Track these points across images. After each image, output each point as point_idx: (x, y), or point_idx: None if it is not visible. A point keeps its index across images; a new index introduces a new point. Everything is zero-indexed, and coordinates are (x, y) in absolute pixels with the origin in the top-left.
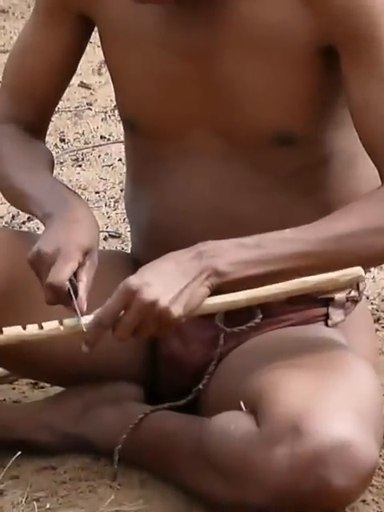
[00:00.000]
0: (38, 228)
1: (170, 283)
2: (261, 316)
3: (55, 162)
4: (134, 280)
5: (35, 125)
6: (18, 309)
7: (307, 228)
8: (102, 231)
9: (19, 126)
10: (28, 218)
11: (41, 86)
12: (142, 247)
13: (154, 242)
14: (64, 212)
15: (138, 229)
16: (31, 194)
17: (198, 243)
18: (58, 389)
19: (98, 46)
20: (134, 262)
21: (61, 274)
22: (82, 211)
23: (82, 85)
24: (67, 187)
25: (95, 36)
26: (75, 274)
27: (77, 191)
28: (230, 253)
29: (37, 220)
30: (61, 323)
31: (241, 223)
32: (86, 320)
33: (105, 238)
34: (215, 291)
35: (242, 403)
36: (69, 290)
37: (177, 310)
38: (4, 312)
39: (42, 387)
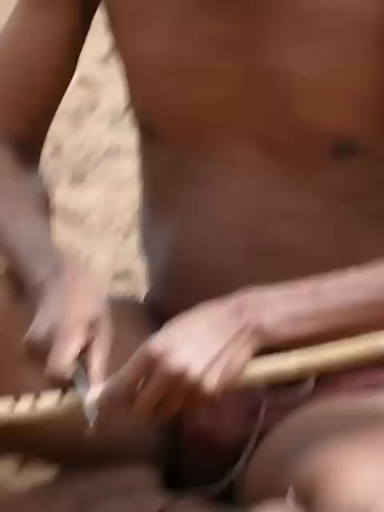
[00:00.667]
0: None
1: (202, 347)
2: (312, 384)
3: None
4: (156, 343)
5: (28, 141)
6: (12, 372)
7: (372, 269)
8: (109, 269)
9: (6, 146)
10: None
11: (35, 88)
12: (160, 292)
13: (176, 284)
14: (56, 280)
15: (155, 267)
16: (16, 256)
17: (237, 293)
18: (48, 472)
19: (102, 33)
20: (149, 312)
21: (60, 361)
22: (79, 275)
23: (83, 82)
24: (57, 247)
25: (97, 19)
26: (85, 353)
27: (75, 218)
28: (279, 306)
29: None
30: (59, 403)
31: (288, 259)
32: (93, 396)
33: (114, 277)
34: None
35: (290, 491)
36: (74, 377)
37: (212, 382)
38: None
39: (29, 471)
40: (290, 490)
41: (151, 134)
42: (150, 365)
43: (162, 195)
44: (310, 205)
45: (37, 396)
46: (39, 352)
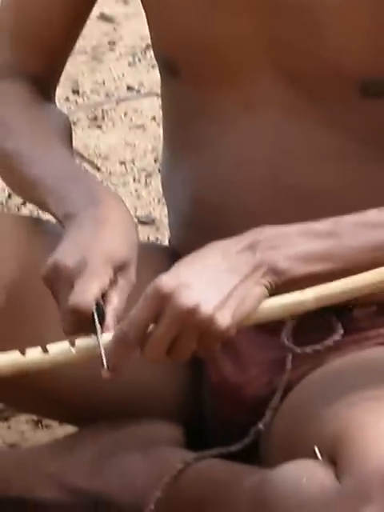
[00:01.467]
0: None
1: (214, 283)
2: (342, 331)
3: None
4: (166, 280)
5: (44, 77)
6: (29, 325)
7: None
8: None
9: (24, 80)
10: None
11: (52, 24)
12: (183, 236)
13: (198, 227)
14: (91, 210)
15: (178, 210)
16: (45, 183)
17: (252, 229)
18: (68, 428)
19: None
20: (173, 256)
21: (86, 295)
22: (116, 210)
23: (103, 17)
24: (92, 175)
25: None
26: (103, 296)
27: (95, 160)
28: (295, 243)
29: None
30: (72, 344)
31: (312, 200)
32: (106, 339)
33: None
34: (274, 293)
35: (316, 449)
36: (93, 316)
37: (224, 318)
38: (9, 328)
39: (47, 426)
40: (316, 449)
41: (173, 72)
42: (161, 302)
43: (184, 137)
44: (336, 146)
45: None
46: (61, 281)
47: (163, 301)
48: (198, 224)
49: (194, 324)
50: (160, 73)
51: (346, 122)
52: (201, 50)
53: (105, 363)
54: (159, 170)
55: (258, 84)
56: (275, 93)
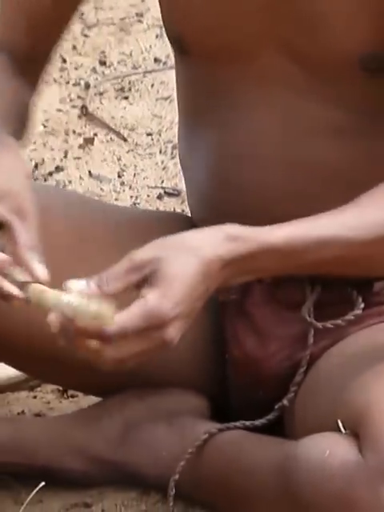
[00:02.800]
0: (69, 181)
1: (191, 317)
2: (362, 305)
3: (94, 91)
4: (168, 306)
5: (30, 56)
6: None
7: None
8: (156, 187)
9: (8, 54)
10: (56, 167)
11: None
12: (200, 210)
13: (215, 201)
14: None
15: (195, 186)
16: None
17: (233, 241)
18: (93, 398)
19: None
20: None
21: None
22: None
23: None
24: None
25: None
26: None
27: (122, 132)
28: (251, 267)
29: (68, 171)
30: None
31: (325, 175)
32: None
33: (159, 196)
34: None
35: (339, 422)
36: None
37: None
38: None
39: (72, 396)
40: (339, 422)
41: (184, 50)
42: (155, 325)
43: (198, 114)
44: (342, 121)
45: None
46: None
47: (158, 325)
48: (215, 199)
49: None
50: (173, 50)
51: (350, 99)
52: (208, 28)
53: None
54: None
55: (264, 61)
56: (282, 70)
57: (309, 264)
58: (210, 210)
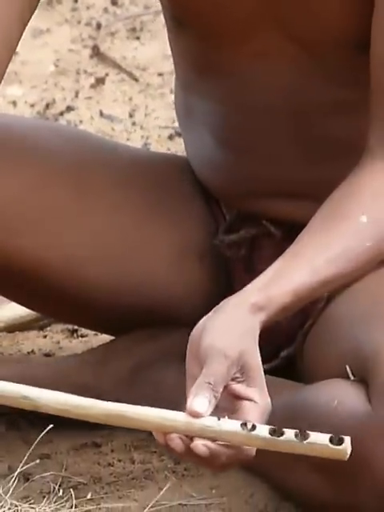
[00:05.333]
0: (80, 121)
1: None
2: None
3: (105, 31)
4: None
5: None
6: None
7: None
8: (167, 127)
9: None
10: (67, 107)
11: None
12: (205, 172)
13: (218, 166)
14: None
15: (196, 149)
16: None
17: (262, 311)
18: (104, 337)
19: None
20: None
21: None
22: None
23: None
24: None
25: None
26: None
27: (133, 72)
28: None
29: (79, 111)
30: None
31: (327, 142)
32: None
33: (170, 137)
34: None
35: (348, 369)
36: None
37: None
38: None
39: (82, 335)
40: (348, 369)
41: (181, 24)
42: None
43: (197, 86)
44: (347, 95)
45: None
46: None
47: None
48: (220, 164)
49: None
50: (166, 22)
51: (349, 75)
52: (205, 5)
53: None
54: (174, 107)
55: (263, 39)
56: (281, 48)
57: (319, 295)
58: (215, 172)
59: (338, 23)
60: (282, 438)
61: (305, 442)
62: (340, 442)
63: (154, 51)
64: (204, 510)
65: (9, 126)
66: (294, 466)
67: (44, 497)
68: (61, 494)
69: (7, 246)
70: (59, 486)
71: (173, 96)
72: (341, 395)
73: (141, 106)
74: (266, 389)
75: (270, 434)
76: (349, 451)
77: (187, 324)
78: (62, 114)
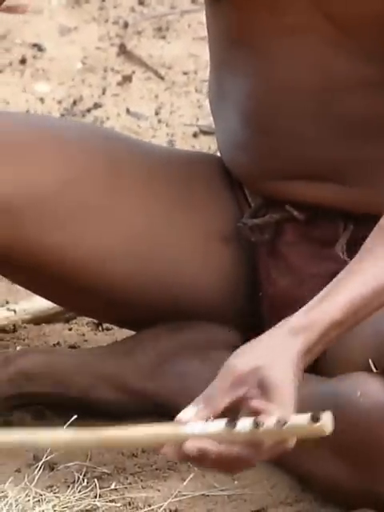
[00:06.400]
0: (107, 118)
1: None
2: None
3: (132, 30)
4: (289, 413)
5: None
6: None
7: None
8: (192, 125)
9: None
10: (94, 104)
11: None
12: (232, 153)
13: (246, 146)
14: None
15: (226, 130)
16: None
17: (302, 333)
18: (128, 332)
19: None
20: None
21: None
22: None
23: None
24: None
25: None
26: None
27: (159, 70)
28: (325, 343)
29: (106, 108)
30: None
31: (353, 122)
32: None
33: (195, 135)
34: None
35: (371, 362)
36: None
37: None
38: None
39: (107, 329)
40: (371, 362)
41: None
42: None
43: (230, 61)
44: (374, 75)
45: None
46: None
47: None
48: (248, 144)
49: None
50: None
51: (375, 54)
52: None
53: None
54: (208, 93)
55: (295, 14)
56: (312, 23)
57: (378, 307)
58: (241, 153)
59: (377, 3)
60: (262, 428)
61: (284, 427)
62: (318, 419)
63: (180, 50)
64: (226, 501)
65: (44, 125)
66: (317, 455)
67: (68, 486)
68: (85, 483)
69: (41, 242)
70: (83, 475)
71: (197, 94)
72: (364, 387)
73: (166, 103)
74: (289, 403)
75: (253, 426)
76: (329, 426)
77: (212, 313)
78: (89, 110)
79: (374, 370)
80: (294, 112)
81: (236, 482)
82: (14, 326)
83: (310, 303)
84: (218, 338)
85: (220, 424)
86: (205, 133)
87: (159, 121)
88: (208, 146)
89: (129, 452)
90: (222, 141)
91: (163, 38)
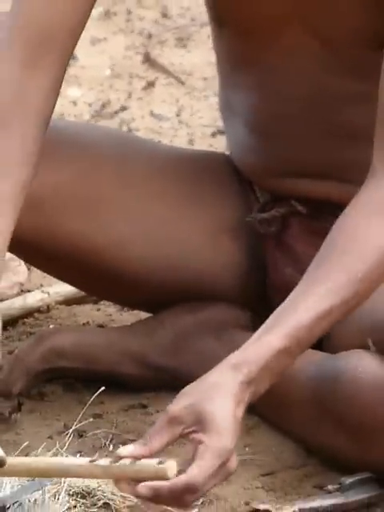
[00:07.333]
0: (132, 119)
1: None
2: None
3: (156, 40)
4: (230, 443)
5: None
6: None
7: (308, 302)
8: (210, 126)
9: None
10: (121, 107)
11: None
12: (241, 156)
13: (252, 149)
14: None
15: (234, 135)
16: None
17: (242, 367)
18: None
19: None
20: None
21: None
22: None
23: None
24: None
25: None
26: None
27: (180, 76)
28: (272, 373)
29: (132, 111)
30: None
31: (346, 129)
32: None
33: (212, 134)
34: None
35: (369, 341)
36: None
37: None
38: None
39: (132, 309)
40: (369, 341)
41: (221, 23)
42: (223, 462)
43: (233, 76)
44: (359, 88)
45: None
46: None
47: (226, 462)
48: (253, 148)
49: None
50: (210, 23)
51: (364, 69)
52: (240, 6)
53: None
54: (218, 104)
55: (290, 37)
56: (305, 44)
57: (321, 333)
58: (249, 155)
59: (356, 23)
60: (116, 464)
61: (135, 465)
62: (162, 463)
63: (199, 58)
64: (238, 466)
65: (65, 127)
66: (322, 426)
67: (96, 452)
68: (111, 449)
69: (62, 231)
70: (110, 441)
71: (215, 98)
72: (362, 364)
73: (186, 106)
74: (224, 432)
75: (111, 462)
76: (172, 470)
77: (224, 296)
78: (116, 112)
79: (373, 348)
80: (292, 120)
81: (247, 449)
82: (48, 307)
83: (253, 336)
84: (232, 318)
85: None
86: (222, 133)
87: (180, 122)
88: (224, 144)
89: (150, 421)
90: (231, 144)
91: (184, 47)
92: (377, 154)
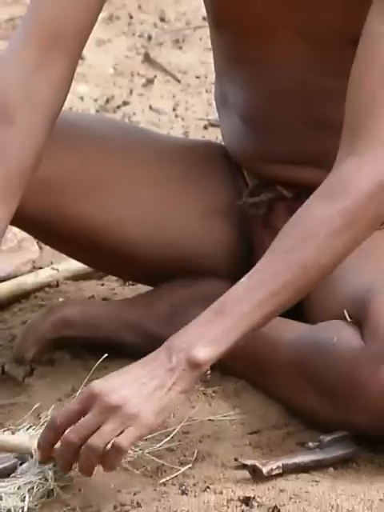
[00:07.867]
0: (133, 113)
1: (139, 386)
2: None
3: (155, 42)
4: (97, 383)
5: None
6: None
7: (261, 267)
8: (203, 119)
9: (36, 48)
10: (123, 102)
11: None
12: (235, 147)
13: (246, 142)
14: None
15: (229, 129)
16: None
17: (165, 342)
18: (149, 286)
19: None
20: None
21: None
22: None
23: None
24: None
25: None
26: None
27: (176, 74)
28: (199, 337)
29: (133, 105)
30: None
31: (333, 123)
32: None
33: (205, 127)
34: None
35: (345, 312)
36: None
37: (149, 413)
38: None
39: (133, 284)
40: (345, 312)
41: (217, 24)
42: (91, 399)
43: (229, 73)
44: (341, 85)
45: None
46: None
47: (93, 399)
48: (247, 141)
49: (119, 418)
50: (208, 23)
51: (343, 70)
52: (236, 9)
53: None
54: (214, 99)
55: (279, 39)
56: (291, 44)
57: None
58: (241, 143)
59: (340, 24)
60: None
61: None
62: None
63: (193, 58)
64: (228, 425)
65: (73, 118)
66: (303, 390)
67: None
68: None
69: (70, 211)
70: None
71: (208, 94)
72: (339, 334)
73: (182, 101)
74: (111, 380)
75: None
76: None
77: (215, 272)
78: (119, 107)
79: (348, 319)
80: (280, 112)
81: (236, 410)
82: (57, 282)
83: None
84: (221, 291)
85: None
86: (213, 125)
87: (176, 116)
88: (216, 136)
89: None
90: (225, 133)
91: (180, 48)
92: (341, 143)
